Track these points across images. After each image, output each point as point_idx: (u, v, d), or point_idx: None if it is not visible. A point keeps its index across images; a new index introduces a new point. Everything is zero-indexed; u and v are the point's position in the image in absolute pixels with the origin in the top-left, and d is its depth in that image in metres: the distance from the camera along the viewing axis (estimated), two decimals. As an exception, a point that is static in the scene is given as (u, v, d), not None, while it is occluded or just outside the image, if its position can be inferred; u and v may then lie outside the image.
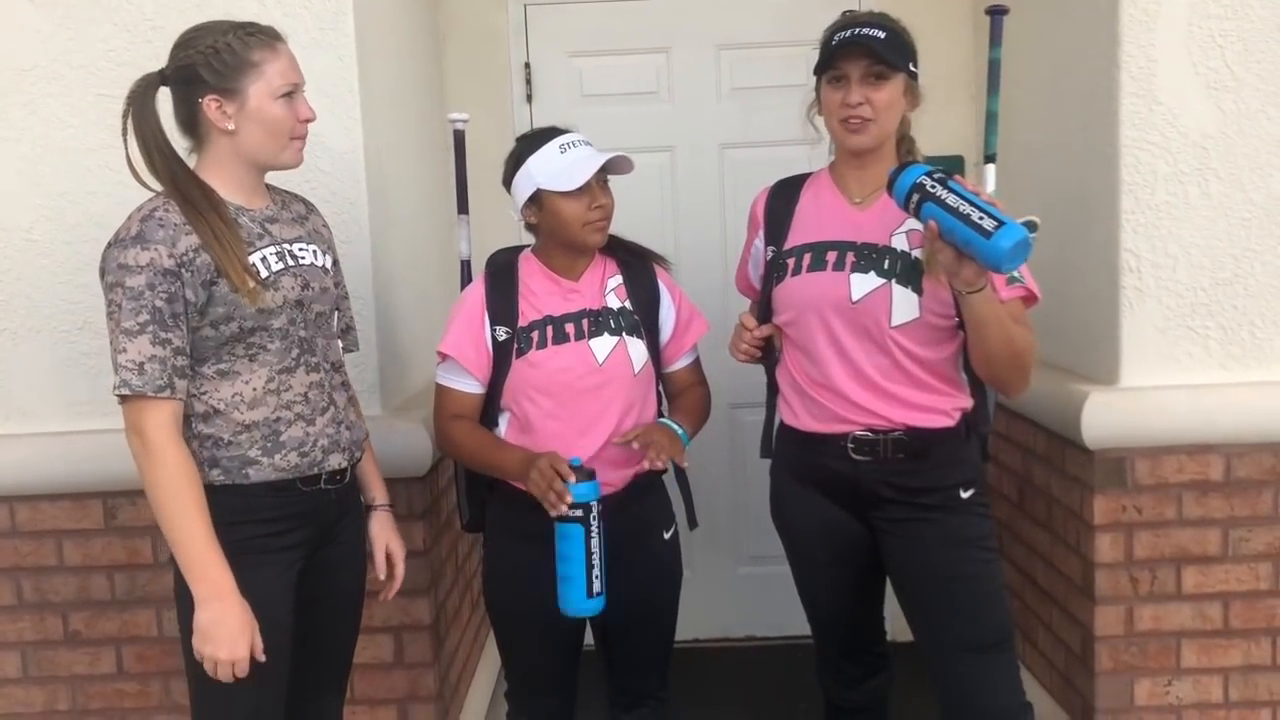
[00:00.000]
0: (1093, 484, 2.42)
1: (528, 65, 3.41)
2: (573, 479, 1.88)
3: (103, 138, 2.38)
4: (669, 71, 3.43)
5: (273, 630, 1.78)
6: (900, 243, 1.98)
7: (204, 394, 1.78)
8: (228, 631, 1.69)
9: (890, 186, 1.81)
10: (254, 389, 1.80)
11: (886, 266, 1.96)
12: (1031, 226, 2.43)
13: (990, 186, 2.34)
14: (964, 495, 2.03)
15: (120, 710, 2.53)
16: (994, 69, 2.35)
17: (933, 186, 1.74)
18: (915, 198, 1.76)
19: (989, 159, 2.40)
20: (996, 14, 2.33)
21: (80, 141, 2.40)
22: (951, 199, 1.72)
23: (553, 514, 1.90)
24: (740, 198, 3.35)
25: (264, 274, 1.78)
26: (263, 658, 1.73)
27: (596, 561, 1.92)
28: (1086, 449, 2.41)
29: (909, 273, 1.95)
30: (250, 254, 1.78)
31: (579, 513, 1.89)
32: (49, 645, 2.51)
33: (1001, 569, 2.12)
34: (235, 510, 1.78)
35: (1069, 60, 2.61)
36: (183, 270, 1.70)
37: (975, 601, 2.01)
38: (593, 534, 1.91)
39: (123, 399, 1.70)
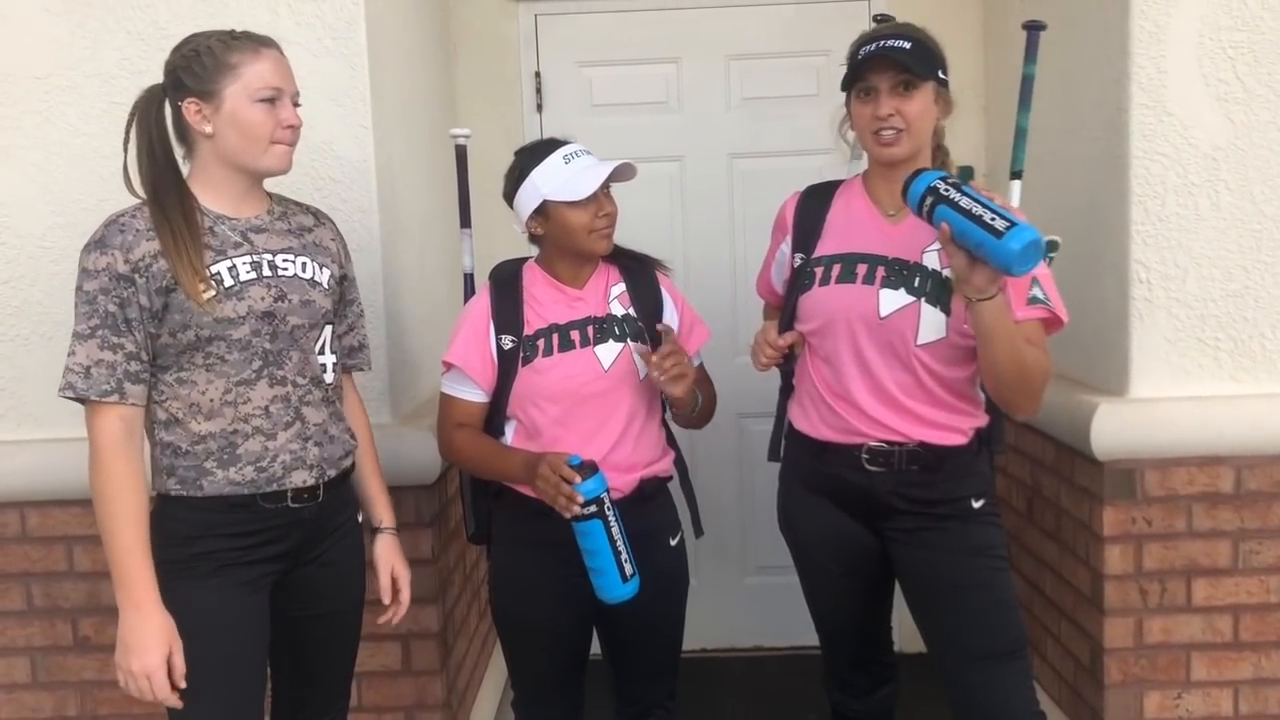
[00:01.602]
0: (1102, 495, 2.41)
1: (538, 75, 3.43)
2: (578, 479, 1.87)
3: (116, 146, 2.36)
4: (678, 81, 3.44)
5: (230, 637, 1.75)
6: (931, 261, 1.96)
7: (165, 401, 1.76)
8: (139, 640, 1.67)
9: (905, 192, 1.81)
10: (211, 399, 1.76)
11: (917, 284, 1.96)
12: (1053, 246, 2.41)
13: (1015, 203, 2.32)
14: (976, 505, 2.03)
15: (129, 716, 2.52)
16: (1027, 85, 2.32)
17: (946, 190, 1.74)
18: (929, 201, 1.76)
19: (1016, 175, 2.37)
20: (1033, 29, 2.31)
21: (94, 149, 2.41)
22: (965, 201, 1.72)
23: (567, 516, 1.90)
24: (749, 207, 3.38)
25: (228, 283, 1.75)
26: (182, 683, 1.69)
27: (622, 547, 1.92)
28: (1096, 460, 2.41)
29: (938, 292, 1.95)
30: (218, 262, 1.75)
31: (593, 509, 1.88)
32: (59, 650, 2.52)
33: (1013, 579, 2.12)
34: (196, 525, 1.76)
35: (1079, 72, 2.61)
36: (136, 276, 1.69)
37: (988, 610, 2.01)
38: (611, 523, 1.91)
39: (81, 401, 1.69)
